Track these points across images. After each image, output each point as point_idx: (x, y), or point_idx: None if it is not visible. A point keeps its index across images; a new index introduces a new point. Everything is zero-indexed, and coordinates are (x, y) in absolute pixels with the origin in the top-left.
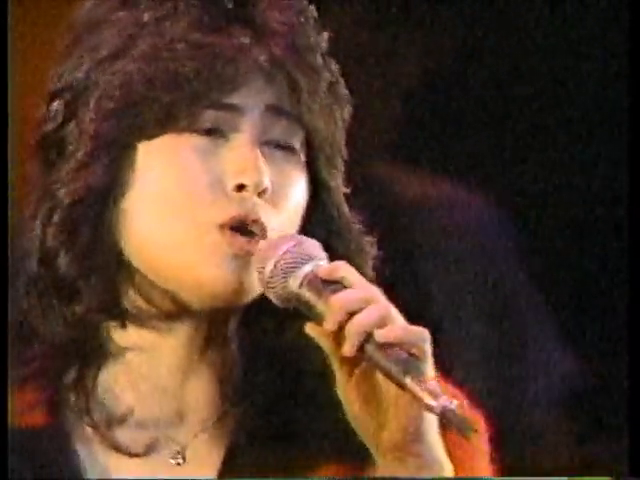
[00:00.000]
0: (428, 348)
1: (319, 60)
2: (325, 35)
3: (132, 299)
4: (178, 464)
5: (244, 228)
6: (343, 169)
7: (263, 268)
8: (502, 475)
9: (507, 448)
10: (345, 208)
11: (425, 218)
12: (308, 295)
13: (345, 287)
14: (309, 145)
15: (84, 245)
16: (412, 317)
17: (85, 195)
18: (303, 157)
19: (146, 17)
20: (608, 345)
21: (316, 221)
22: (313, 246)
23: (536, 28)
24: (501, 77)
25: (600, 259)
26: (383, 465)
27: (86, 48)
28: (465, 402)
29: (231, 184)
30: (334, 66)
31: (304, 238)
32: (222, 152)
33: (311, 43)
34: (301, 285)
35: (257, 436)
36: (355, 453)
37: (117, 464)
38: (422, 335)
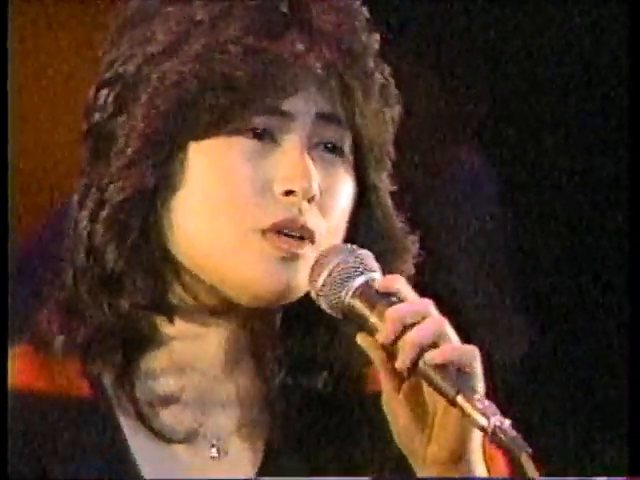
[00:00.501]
0: (478, 366)
1: (371, 63)
2: (376, 36)
3: (179, 294)
4: (213, 458)
5: (291, 232)
6: (391, 169)
7: (318, 276)
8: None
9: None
10: (391, 208)
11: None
12: (360, 306)
13: (398, 300)
14: (358, 147)
15: (132, 242)
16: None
17: (134, 193)
18: (351, 159)
19: (199, 15)
20: (608, 345)
21: (363, 222)
22: (367, 257)
23: (540, 31)
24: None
25: (600, 260)
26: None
27: (137, 40)
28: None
29: (279, 189)
30: (385, 67)
31: (357, 249)
32: (272, 156)
33: (364, 46)
34: (354, 296)
35: (295, 437)
36: (397, 465)
37: (158, 450)
38: (472, 353)
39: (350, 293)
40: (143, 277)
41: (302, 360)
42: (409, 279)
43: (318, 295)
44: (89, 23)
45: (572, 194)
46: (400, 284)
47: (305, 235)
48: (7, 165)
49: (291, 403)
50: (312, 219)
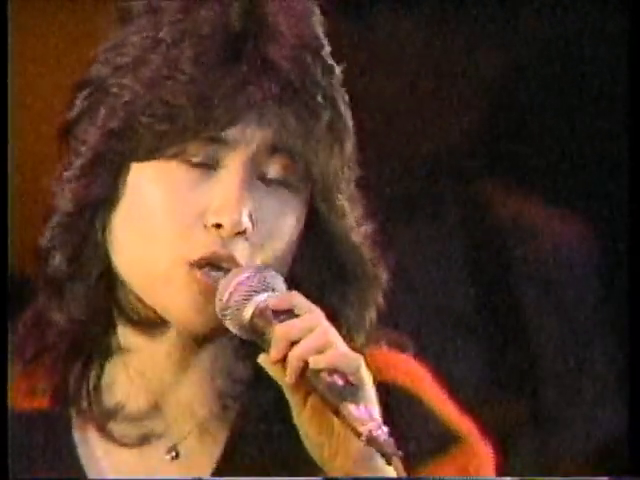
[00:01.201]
0: (363, 374)
1: (319, 99)
2: (338, 70)
3: (122, 305)
4: (172, 459)
5: (217, 265)
6: (347, 202)
7: (221, 297)
8: (502, 475)
9: (508, 449)
10: (354, 238)
11: (518, 241)
12: (260, 325)
13: (295, 316)
14: (309, 180)
15: (73, 251)
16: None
17: (79, 205)
18: (305, 193)
19: (162, 33)
20: (608, 345)
21: (319, 254)
22: (271, 277)
23: (540, 28)
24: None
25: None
26: None
27: (111, 44)
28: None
29: (209, 222)
30: (341, 101)
31: (263, 268)
32: (208, 185)
33: (313, 81)
34: (253, 315)
35: (252, 434)
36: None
37: (112, 457)
38: (355, 361)
39: (250, 312)
40: (82, 288)
41: (253, 358)
42: (380, 310)
43: (223, 316)
44: (89, 23)
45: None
46: (296, 300)
47: (232, 267)
48: (7, 165)
49: (246, 401)
50: (241, 252)
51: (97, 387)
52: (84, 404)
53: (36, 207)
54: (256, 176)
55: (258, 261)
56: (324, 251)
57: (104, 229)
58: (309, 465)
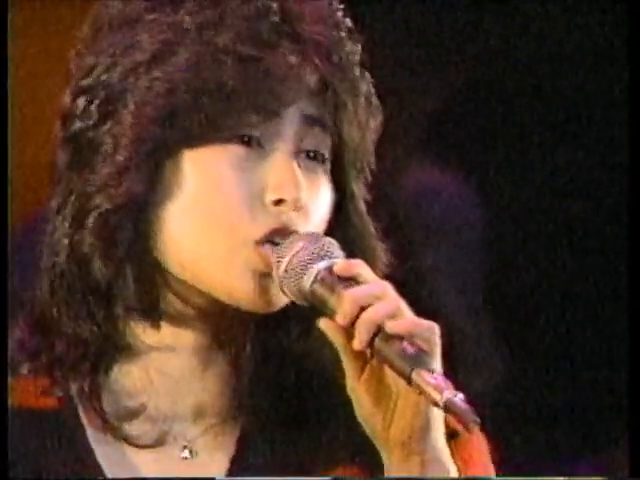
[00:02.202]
0: (437, 342)
1: (357, 72)
2: (359, 47)
3: (169, 299)
4: (186, 458)
5: (282, 241)
6: (369, 178)
7: (280, 263)
8: (501, 474)
9: (506, 448)
10: (366, 215)
11: (424, 211)
12: (321, 291)
13: (358, 284)
14: (339, 155)
15: (121, 251)
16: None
17: (125, 201)
18: (329, 164)
19: (187, 23)
20: (608, 345)
21: (339, 228)
22: (329, 243)
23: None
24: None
25: (600, 261)
26: (389, 462)
27: (120, 47)
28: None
29: (269, 199)
30: (368, 76)
31: (320, 236)
32: (261, 164)
33: (349, 56)
34: (315, 281)
35: (267, 434)
36: (368, 455)
37: (127, 455)
38: (432, 329)
39: (311, 278)
40: (134, 285)
41: (273, 356)
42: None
43: (281, 282)
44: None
45: (559, 213)
46: (361, 268)
47: None
48: (7, 164)
49: (261, 401)
50: (301, 227)
51: (111, 389)
52: (95, 406)
53: (36, 207)
54: (299, 151)
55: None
56: (347, 226)
57: (152, 223)
58: (321, 464)
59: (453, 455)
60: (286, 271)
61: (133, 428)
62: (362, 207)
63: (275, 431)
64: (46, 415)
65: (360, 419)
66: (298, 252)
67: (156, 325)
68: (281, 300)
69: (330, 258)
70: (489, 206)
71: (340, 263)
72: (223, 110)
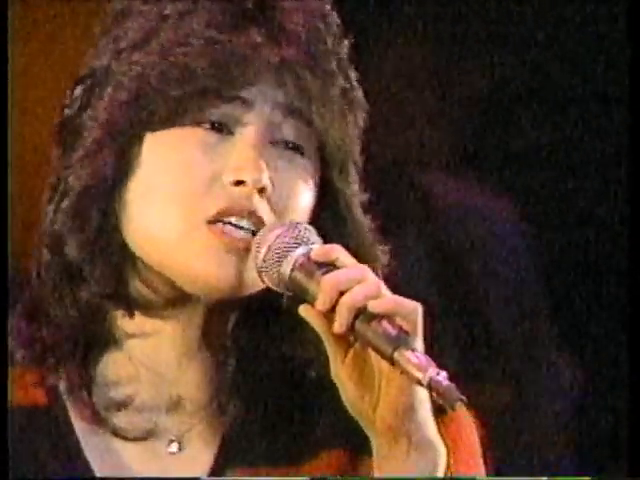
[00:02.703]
0: (419, 322)
1: (333, 66)
2: (346, 42)
3: (137, 286)
4: (173, 453)
5: (239, 221)
6: (357, 176)
7: (258, 253)
8: (499, 474)
9: (505, 448)
10: (359, 215)
11: (458, 225)
12: (300, 277)
13: (337, 268)
14: (322, 149)
15: (91, 231)
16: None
17: (93, 182)
18: (316, 161)
19: (167, 10)
20: (608, 346)
21: (327, 226)
22: (307, 230)
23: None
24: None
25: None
26: (378, 445)
27: (111, 37)
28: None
29: (228, 179)
30: (352, 73)
31: (296, 223)
32: (225, 147)
33: (327, 48)
34: (294, 268)
35: (253, 426)
36: (353, 441)
37: (116, 450)
38: (415, 308)
39: (290, 266)
40: (102, 267)
41: (256, 351)
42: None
43: (260, 271)
44: (90, 23)
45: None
46: (339, 252)
47: (255, 223)
48: (7, 164)
49: (246, 395)
50: (262, 208)
51: (97, 379)
52: (84, 397)
53: (36, 207)
54: (273, 139)
55: (277, 219)
56: (332, 224)
57: (119, 206)
58: (305, 451)
59: (441, 434)
60: (264, 260)
61: (121, 420)
62: (353, 205)
63: (260, 423)
64: (35, 412)
65: (346, 403)
66: (275, 240)
67: (130, 313)
68: (249, 284)
69: (307, 244)
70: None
71: (317, 248)
72: (188, 93)
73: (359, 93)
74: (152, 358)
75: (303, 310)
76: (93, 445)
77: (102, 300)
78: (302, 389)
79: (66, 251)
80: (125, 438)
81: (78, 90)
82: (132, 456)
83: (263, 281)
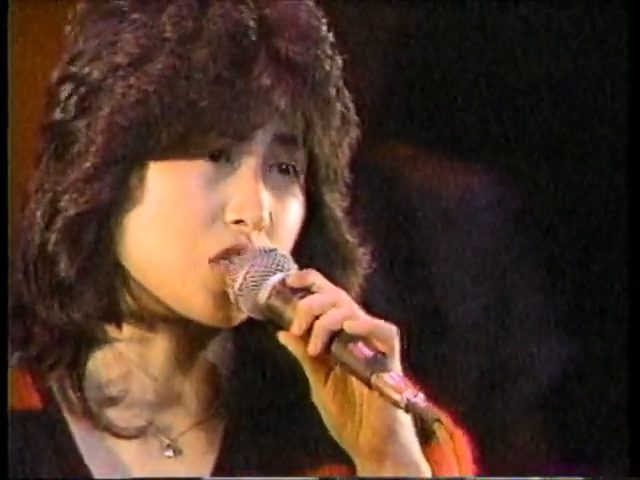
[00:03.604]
0: (396, 344)
1: (332, 92)
2: (339, 62)
3: (128, 303)
4: (169, 457)
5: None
6: (344, 187)
7: (234, 281)
8: (496, 474)
9: (504, 447)
10: (341, 222)
11: (430, 203)
12: (277, 304)
13: (313, 293)
14: (312, 167)
15: (84, 254)
16: (415, 303)
17: (90, 209)
18: (302, 176)
19: (167, 32)
20: (608, 346)
21: (313, 236)
22: (282, 257)
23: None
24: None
25: (601, 250)
26: (362, 469)
27: (103, 42)
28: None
29: (230, 218)
30: (346, 94)
31: (272, 250)
32: (226, 180)
33: (326, 75)
34: (269, 296)
35: (251, 433)
36: (348, 455)
37: (113, 453)
38: (391, 330)
39: (266, 293)
40: (94, 289)
41: (256, 353)
42: (361, 289)
43: (237, 299)
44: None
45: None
46: (314, 277)
47: None
48: (7, 164)
49: (245, 399)
50: (259, 242)
51: (89, 378)
52: (76, 396)
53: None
54: (270, 166)
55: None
56: (316, 233)
57: (115, 231)
58: (307, 464)
59: (426, 456)
60: (240, 289)
61: (114, 417)
62: (337, 215)
63: (260, 430)
64: (29, 416)
65: (329, 428)
66: (251, 269)
67: (119, 327)
68: (239, 315)
69: (283, 271)
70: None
71: (292, 275)
72: (191, 128)
73: (353, 113)
74: (145, 361)
75: (282, 337)
76: (90, 446)
77: (93, 320)
78: (306, 398)
79: (57, 269)
80: (118, 435)
81: (66, 90)
82: (130, 461)
83: (239, 308)
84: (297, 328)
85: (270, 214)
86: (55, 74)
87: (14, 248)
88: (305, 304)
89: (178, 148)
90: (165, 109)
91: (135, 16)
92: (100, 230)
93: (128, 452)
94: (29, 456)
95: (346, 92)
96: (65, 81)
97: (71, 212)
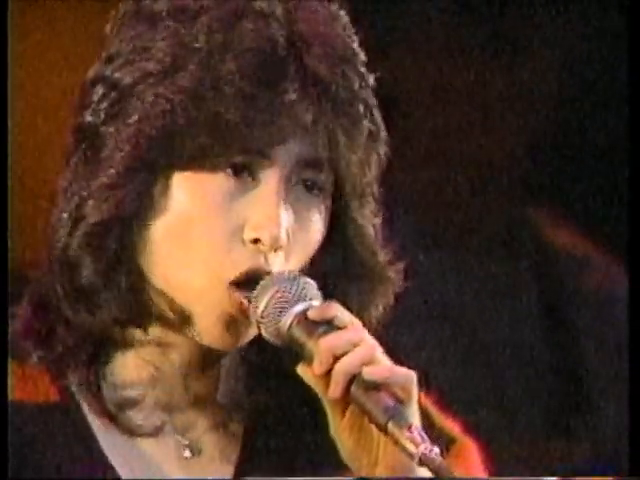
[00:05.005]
0: (414, 390)
1: (360, 110)
2: (372, 79)
3: (153, 307)
4: (187, 458)
5: (255, 282)
6: (373, 203)
7: (257, 305)
8: (499, 475)
9: (503, 446)
10: (371, 239)
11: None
12: (299, 335)
13: (336, 327)
14: (339, 185)
15: (107, 261)
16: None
17: (113, 217)
18: (329, 193)
19: (199, 42)
20: (608, 345)
21: (339, 255)
22: (307, 285)
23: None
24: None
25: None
26: None
27: (138, 46)
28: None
29: (248, 237)
30: (375, 111)
31: (296, 276)
32: (247, 196)
33: (354, 94)
34: (292, 325)
35: (272, 436)
36: None
37: (130, 453)
38: (409, 377)
39: (288, 322)
40: (118, 294)
41: (276, 355)
42: (389, 310)
43: (259, 323)
44: (89, 23)
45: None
46: (336, 310)
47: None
48: (7, 165)
49: (265, 401)
50: (277, 266)
51: (108, 380)
52: (94, 396)
53: (36, 206)
54: (295, 182)
55: (288, 268)
56: (342, 251)
57: (139, 238)
58: (331, 467)
59: None
60: (262, 317)
61: (132, 417)
62: (366, 232)
63: (280, 432)
64: (49, 409)
65: (345, 460)
66: (273, 296)
67: (144, 329)
68: (246, 339)
69: (306, 300)
70: None
71: (314, 309)
72: (214, 141)
73: (382, 128)
74: (166, 362)
75: (301, 370)
76: (111, 443)
77: (118, 323)
78: (318, 405)
79: (81, 275)
80: (135, 433)
81: (99, 92)
82: (147, 460)
83: (261, 334)
84: (317, 368)
85: (288, 233)
86: (90, 73)
87: (39, 244)
88: (326, 344)
89: (201, 160)
90: (190, 120)
91: (170, 23)
92: (123, 238)
93: (149, 453)
94: (45, 451)
95: (376, 110)
96: (98, 82)
97: (94, 219)
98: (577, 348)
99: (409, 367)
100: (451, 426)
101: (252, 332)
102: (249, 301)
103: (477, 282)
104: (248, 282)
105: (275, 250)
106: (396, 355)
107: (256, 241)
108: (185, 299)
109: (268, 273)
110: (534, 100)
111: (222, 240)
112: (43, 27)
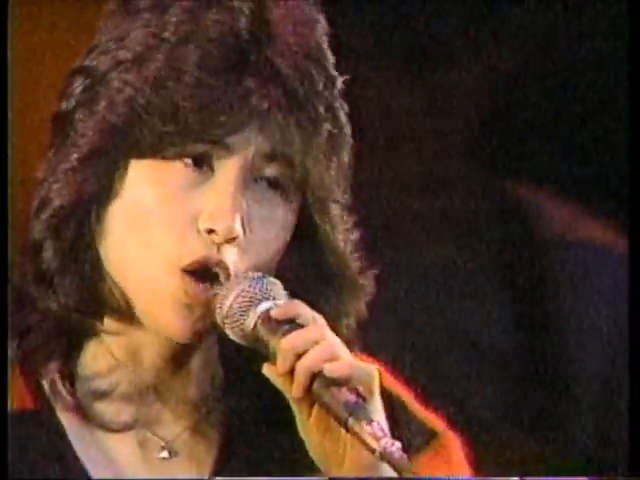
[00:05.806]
0: (375, 387)
1: (320, 110)
2: (339, 81)
3: (110, 297)
4: (164, 459)
5: (207, 272)
6: (340, 211)
7: (221, 305)
8: (496, 474)
9: (502, 446)
10: (341, 247)
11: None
12: (263, 334)
13: (299, 326)
14: (303, 189)
15: (66, 244)
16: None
17: (72, 200)
18: (296, 197)
19: (167, 33)
20: (608, 345)
21: (307, 261)
22: (271, 284)
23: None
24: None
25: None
26: None
27: (113, 36)
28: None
29: (203, 226)
30: (341, 114)
31: (261, 276)
32: (204, 188)
33: (317, 92)
34: (256, 324)
35: (248, 436)
36: None
37: (109, 455)
38: (370, 373)
39: (252, 322)
40: (74, 279)
41: (241, 361)
42: (362, 317)
43: (224, 323)
44: (90, 23)
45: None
46: (299, 309)
47: (221, 274)
48: (7, 165)
49: (241, 401)
50: (230, 257)
51: (80, 372)
52: (67, 390)
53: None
54: (257, 178)
55: (244, 265)
56: (311, 258)
57: (97, 224)
58: (305, 464)
59: (422, 466)
60: (227, 316)
61: (102, 410)
62: (334, 239)
63: (257, 433)
64: (24, 417)
65: (313, 457)
66: (238, 295)
67: (100, 321)
68: (204, 331)
69: (271, 299)
70: None
71: (277, 307)
72: (171, 131)
73: (347, 132)
74: (131, 354)
75: (266, 370)
76: (85, 444)
77: (69, 311)
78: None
79: (43, 259)
80: (106, 428)
81: (77, 83)
82: (126, 464)
83: (229, 335)
84: (280, 367)
85: (244, 226)
86: (74, 65)
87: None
88: (287, 342)
89: (160, 148)
90: (151, 109)
91: (146, 15)
92: (82, 224)
93: (125, 457)
94: (27, 457)
95: (342, 112)
96: (76, 73)
97: (57, 203)
98: (572, 342)
99: (378, 363)
100: (433, 420)
101: (211, 325)
102: (214, 295)
103: (453, 275)
104: (201, 271)
105: (229, 241)
106: (368, 350)
107: (210, 231)
108: (139, 287)
109: (219, 263)
110: (515, 83)
111: (178, 229)
112: (43, 27)
